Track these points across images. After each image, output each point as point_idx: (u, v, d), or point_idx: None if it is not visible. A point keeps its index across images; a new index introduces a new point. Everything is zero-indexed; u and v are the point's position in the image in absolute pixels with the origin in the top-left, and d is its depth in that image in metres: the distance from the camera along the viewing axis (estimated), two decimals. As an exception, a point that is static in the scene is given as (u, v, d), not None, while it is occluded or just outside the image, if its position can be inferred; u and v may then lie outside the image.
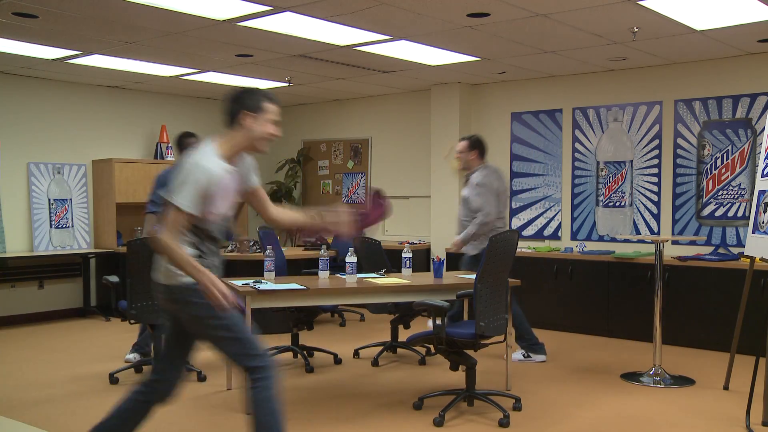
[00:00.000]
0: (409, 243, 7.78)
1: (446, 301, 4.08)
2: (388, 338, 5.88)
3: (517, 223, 7.69)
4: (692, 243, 6.49)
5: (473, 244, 5.48)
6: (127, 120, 8.25)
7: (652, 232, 6.80)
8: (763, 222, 4.30)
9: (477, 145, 5.56)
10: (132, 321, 4.92)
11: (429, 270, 7.30)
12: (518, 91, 7.66)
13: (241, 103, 2.95)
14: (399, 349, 5.90)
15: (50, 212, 7.60)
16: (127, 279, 4.81)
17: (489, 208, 5.37)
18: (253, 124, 2.93)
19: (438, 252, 7.84)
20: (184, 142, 5.30)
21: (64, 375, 5.20)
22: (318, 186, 9.48)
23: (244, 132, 2.94)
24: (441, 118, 7.95)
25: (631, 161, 6.91)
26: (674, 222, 6.66)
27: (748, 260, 4.77)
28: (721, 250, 6.34)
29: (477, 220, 5.39)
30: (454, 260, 6.55)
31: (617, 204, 7.01)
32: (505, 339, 4.38)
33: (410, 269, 5.18)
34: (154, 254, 3.02)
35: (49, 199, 7.56)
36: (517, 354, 5.62)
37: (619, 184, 6.98)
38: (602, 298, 6.61)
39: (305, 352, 5.53)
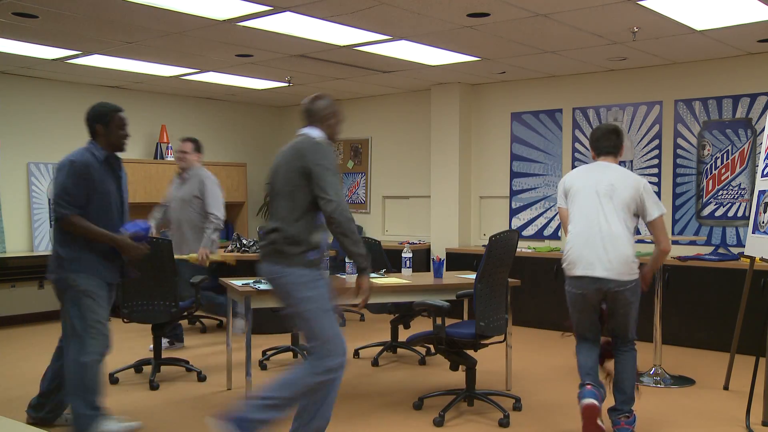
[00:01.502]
0: (408, 243, 7.78)
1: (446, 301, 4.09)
2: (388, 338, 5.88)
3: (517, 223, 7.69)
4: (692, 243, 6.48)
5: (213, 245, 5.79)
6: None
7: (652, 232, 6.79)
8: (763, 222, 4.30)
9: (200, 148, 6.00)
10: (125, 320, 4.97)
11: (429, 270, 7.31)
12: (518, 91, 7.66)
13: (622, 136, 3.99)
14: (399, 349, 5.90)
15: (50, 212, 7.60)
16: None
17: (221, 206, 5.82)
18: None
19: (438, 252, 7.84)
20: None
21: (64, 375, 5.18)
22: (318, 186, 9.47)
23: None
24: (441, 118, 7.94)
25: (631, 161, 6.90)
26: (674, 222, 6.66)
27: (748, 260, 4.78)
28: (721, 250, 6.34)
29: (216, 220, 5.74)
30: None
31: (617, 204, 6.99)
32: (504, 339, 4.39)
33: (410, 269, 5.18)
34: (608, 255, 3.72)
35: (49, 199, 7.55)
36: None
37: (619, 184, 6.97)
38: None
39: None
